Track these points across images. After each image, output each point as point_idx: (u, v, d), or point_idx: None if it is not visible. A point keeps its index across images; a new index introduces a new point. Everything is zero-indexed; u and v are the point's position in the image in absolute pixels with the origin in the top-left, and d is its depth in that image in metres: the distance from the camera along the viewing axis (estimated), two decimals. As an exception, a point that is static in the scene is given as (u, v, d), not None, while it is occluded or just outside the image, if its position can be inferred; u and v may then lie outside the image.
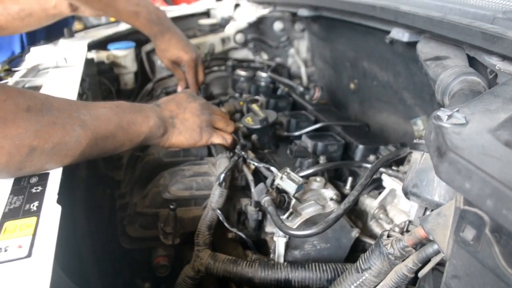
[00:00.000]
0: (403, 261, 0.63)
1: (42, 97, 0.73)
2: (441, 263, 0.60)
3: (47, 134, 0.69)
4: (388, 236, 0.66)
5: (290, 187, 0.87)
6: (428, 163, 0.71)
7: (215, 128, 1.08)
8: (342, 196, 0.94)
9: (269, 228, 0.96)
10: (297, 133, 1.21)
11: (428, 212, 0.80)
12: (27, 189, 0.68)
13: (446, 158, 0.48)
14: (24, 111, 0.67)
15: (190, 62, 1.48)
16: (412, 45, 1.06)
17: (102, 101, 0.86)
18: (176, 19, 1.87)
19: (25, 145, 0.66)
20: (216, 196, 0.92)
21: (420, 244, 0.62)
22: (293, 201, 0.89)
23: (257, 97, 1.38)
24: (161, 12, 1.48)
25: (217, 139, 1.06)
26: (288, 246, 0.90)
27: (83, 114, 0.77)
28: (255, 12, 1.99)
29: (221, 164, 1.00)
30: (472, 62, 0.86)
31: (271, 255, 0.92)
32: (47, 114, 0.70)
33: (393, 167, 0.99)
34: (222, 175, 0.92)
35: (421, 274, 0.61)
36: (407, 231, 0.82)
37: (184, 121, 1.00)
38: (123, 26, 1.85)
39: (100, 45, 1.62)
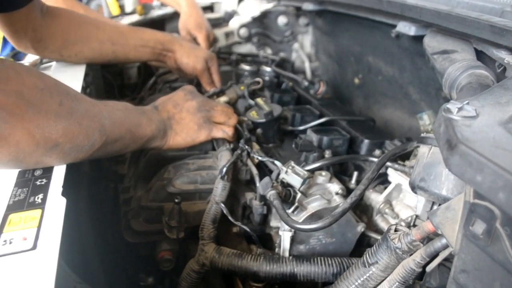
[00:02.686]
0: (410, 255, 0.62)
1: (73, 94, 0.74)
2: (447, 259, 0.59)
3: (71, 134, 0.70)
4: (396, 230, 0.65)
5: (295, 180, 0.86)
6: (436, 157, 0.70)
7: (216, 122, 1.07)
8: (347, 191, 0.93)
9: (274, 222, 0.95)
10: (302, 127, 1.20)
11: (435, 207, 0.80)
12: (31, 182, 0.67)
13: (456, 151, 0.47)
14: (57, 104, 0.68)
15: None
16: (418, 39, 1.05)
17: (113, 101, 0.87)
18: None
19: (52, 139, 0.67)
20: (219, 189, 0.91)
21: (428, 238, 0.62)
22: (299, 195, 0.89)
23: (257, 79, 1.36)
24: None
25: (217, 133, 1.05)
26: (293, 240, 0.89)
27: (104, 117, 0.78)
28: (259, 6, 1.98)
29: (222, 157, 1.00)
30: (480, 56, 0.85)
31: (276, 250, 0.92)
32: (76, 112, 0.71)
33: (399, 162, 0.98)
34: (224, 169, 0.91)
35: (429, 268, 0.61)
36: (414, 225, 0.82)
37: (180, 121, 1.00)
38: (126, 20, 1.84)
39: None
